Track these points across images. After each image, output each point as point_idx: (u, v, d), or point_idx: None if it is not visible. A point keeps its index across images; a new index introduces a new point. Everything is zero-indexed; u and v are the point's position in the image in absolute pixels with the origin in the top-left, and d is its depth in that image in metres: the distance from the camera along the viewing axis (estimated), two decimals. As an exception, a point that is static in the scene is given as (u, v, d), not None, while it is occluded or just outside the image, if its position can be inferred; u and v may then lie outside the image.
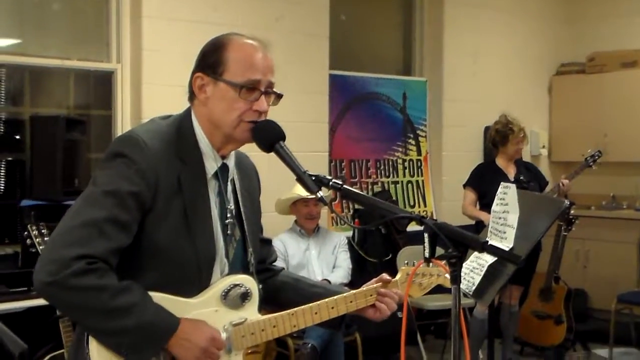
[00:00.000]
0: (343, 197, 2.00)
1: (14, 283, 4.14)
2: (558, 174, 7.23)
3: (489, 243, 1.84)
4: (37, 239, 3.65)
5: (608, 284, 6.87)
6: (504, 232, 2.34)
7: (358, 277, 5.36)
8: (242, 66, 2.03)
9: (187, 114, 2.11)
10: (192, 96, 2.10)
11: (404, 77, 7.08)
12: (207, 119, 2.07)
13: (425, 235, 1.90)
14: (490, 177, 5.66)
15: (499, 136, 5.78)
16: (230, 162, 2.16)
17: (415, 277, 2.35)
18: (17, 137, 4.85)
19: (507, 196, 2.37)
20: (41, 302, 3.90)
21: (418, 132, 7.04)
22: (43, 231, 3.70)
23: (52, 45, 5.07)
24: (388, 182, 6.78)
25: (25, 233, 3.69)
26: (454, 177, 6.62)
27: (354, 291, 2.26)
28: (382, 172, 6.75)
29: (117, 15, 5.12)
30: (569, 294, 6.26)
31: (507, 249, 1.97)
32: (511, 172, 5.81)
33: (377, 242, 6.14)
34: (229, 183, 2.15)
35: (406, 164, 6.94)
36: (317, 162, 5.86)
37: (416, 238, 5.90)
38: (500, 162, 5.84)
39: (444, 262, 1.89)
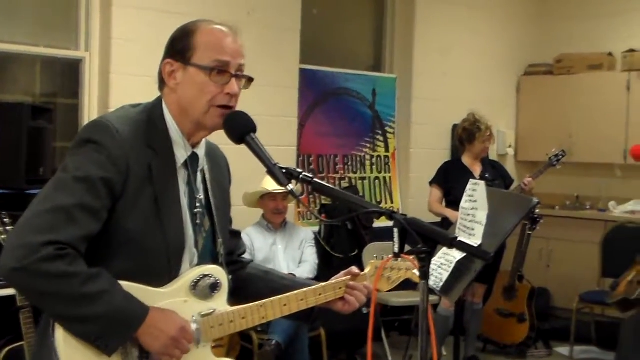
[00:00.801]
0: (314, 190, 1.99)
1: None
2: (524, 174, 7.29)
3: (458, 239, 1.84)
4: (-1, 228, 3.60)
5: (570, 283, 6.95)
6: (473, 229, 2.35)
7: (324, 273, 5.34)
8: (211, 49, 2.02)
9: (157, 102, 2.10)
10: (162, 84, 2.10)
11: (374, 74, 7.08)
12: (177, 106, 2.06)
13: (395, 230, 1.90)
14: (456, 174, 5.71)
15: (466, 134, 5.82)
16: (201, 152, 2.15)
17: (384, 272, 2.36)
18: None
19: (476, 193, 2.38)
20: (1, 292, 3.87)
21: (386, 128, 7.06)
22: (5, 220, 3.64)
23: (19, 31, 4.97)
24: (356, 178, 6.78)
25: (-14, 222, 3.63)
26: (421, 174, 6.64)
27: (323, 284, 2.26)
28: (350, 167, 6.75)
29: (87, 2, 5.05)
30: (532, 292, 6.33)
31: (475, 246, 1.97)
32: (477, 170, 5.86)
33: (344, 237, 6.14)
34: (198, 173, 2.14)
35: (374, 160, 6.95)
36: (285, 157, 5.83)
37: (382, 234, 5.91)
38: (466, 160, 5.88)
39: (412, 257, 1.89)
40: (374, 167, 6.94)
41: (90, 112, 5.04)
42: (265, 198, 5.20)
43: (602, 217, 7.41)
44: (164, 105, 2.08)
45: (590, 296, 6.33)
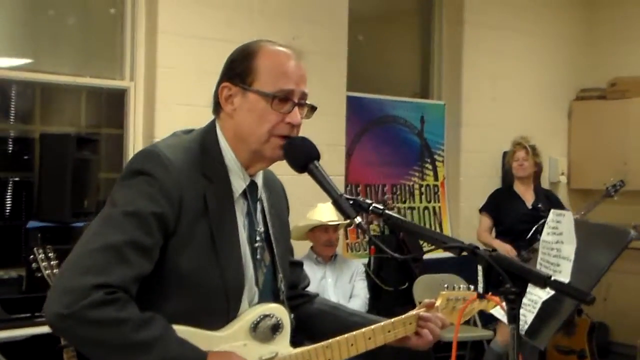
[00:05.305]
0: (386, 223, 1.82)
1: (16, 309, 3.94)
2: (577, 202, 7.06)
3: (553, 278, 1.63)
4: (43, 263, 3.47)
5: (630, 317, 6.68)
6: (558, 265, 2.13)
7: (373, 306, 5.14)
8: (274, 75, 1.88)
9: (211, 127, 1.94)
10: (217, 108, 1.94)
11: (422, 100, 6.93)
12: (233, 132, 1.90)
13: (479, 268, 1.71)
14: (507, 202, 5.59)
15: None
16: (259, 181, 1.99)
17: (455, 303, 2.22)
18: (26, 157, 4.71)
19: (560, 225, 2.17)
20: (45, 329, 3.73)
21: (435, 156, 6.87)
22: (49, 255, 3.51)
23: (65, 62, 4.91)
24: (404, 207, 6.59)
25: (31, 256, 3.51)
26: (471, 203, 6.44)
27: (392, 320, 2.08)
28: (399, 197, 6.56)
29: (132, 31, 4.97)
30: (592, 327, 6.09)
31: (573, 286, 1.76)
32: (529, 199, 5.68)
33: (393, 270, 5.92)
34: (257, 203, 1.98)
35: (423, 189, 6.75)
36: (333, 186, 5.66)
37: (433, 266, 5.71)
38: (518, 187, 5.71)
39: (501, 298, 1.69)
40: (423, 196, 6.74)
41: (135, 142, 4.95)
42: (316, 230, 4.95)
43: (661, 247, 7.08)
44: (218, 131, 1.92)
45: (655, 331, 6.03)
